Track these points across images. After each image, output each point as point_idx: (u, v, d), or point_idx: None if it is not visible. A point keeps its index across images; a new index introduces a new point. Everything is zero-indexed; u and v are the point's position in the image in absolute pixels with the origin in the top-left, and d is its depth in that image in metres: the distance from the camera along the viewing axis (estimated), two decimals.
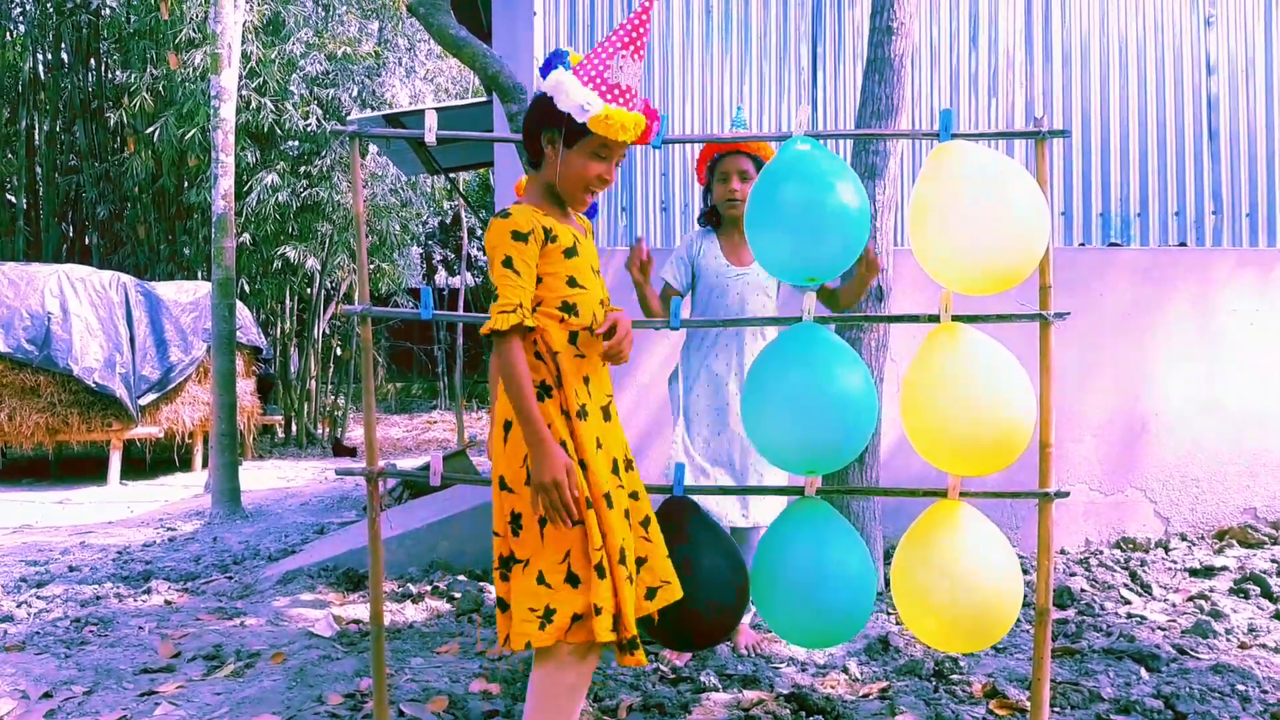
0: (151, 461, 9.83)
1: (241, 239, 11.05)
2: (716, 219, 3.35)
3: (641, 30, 1.98)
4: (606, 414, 2.08)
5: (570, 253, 2.02)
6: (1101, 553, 4.70)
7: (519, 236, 1.95)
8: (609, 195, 4.99)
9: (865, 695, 2.84)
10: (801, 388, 2.19)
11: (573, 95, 1.94)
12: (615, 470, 2.03)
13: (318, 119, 11.16)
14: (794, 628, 2.33)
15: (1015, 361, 2.23)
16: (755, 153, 3.21)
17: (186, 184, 11.66)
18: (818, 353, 2.22)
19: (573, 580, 1.91)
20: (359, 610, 3.83)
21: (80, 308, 8.53)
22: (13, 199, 12.89)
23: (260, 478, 9.09)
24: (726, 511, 3.18)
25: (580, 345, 2.03)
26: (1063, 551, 4.74)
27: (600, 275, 2.12)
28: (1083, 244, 5.14)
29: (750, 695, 2.81)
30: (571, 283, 2.02)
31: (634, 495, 2.11)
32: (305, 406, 12.84)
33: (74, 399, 8.49)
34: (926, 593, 2.23)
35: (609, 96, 1.95)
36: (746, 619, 3.32)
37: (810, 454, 2.23)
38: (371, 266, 12.80)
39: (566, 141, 1.97)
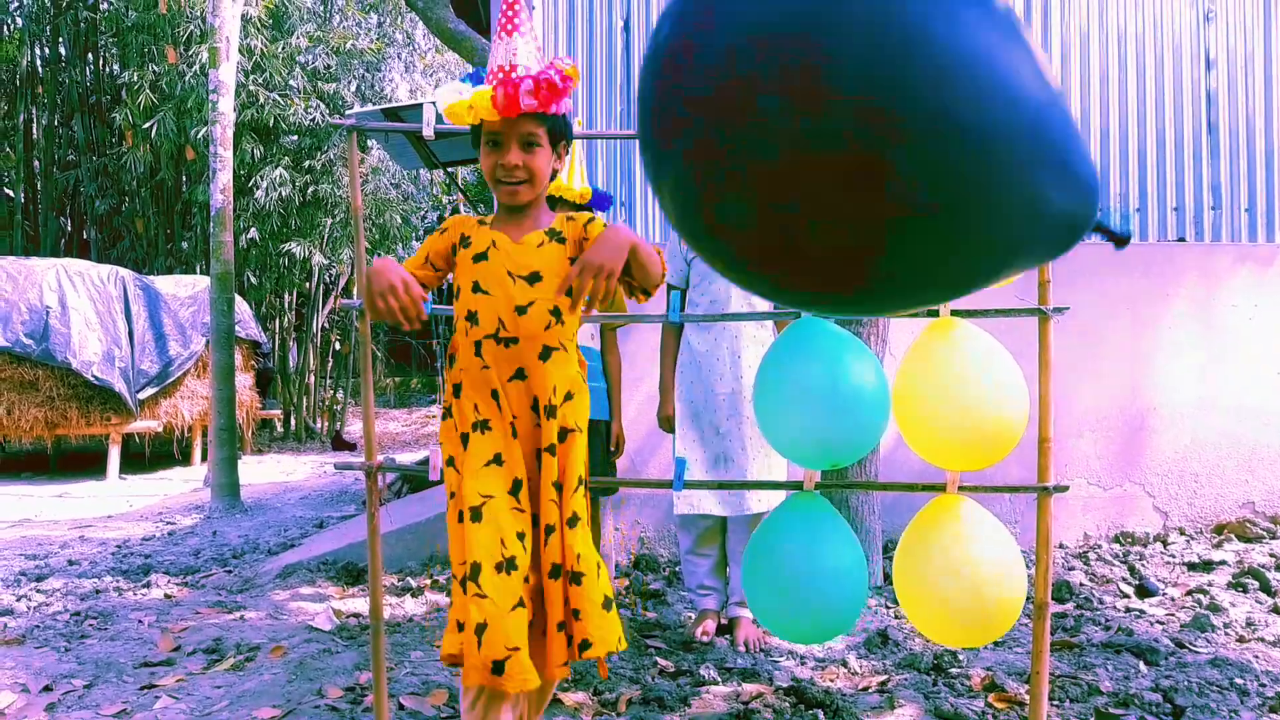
0: (150, 455, 9.84)
1: (249, 234, 11.03)
2: None
3: (507, 10, 1.89)
4: (537, 420, 1.91)
5: (479, 258, 1.94)
6: (1100, 547, 4.71)
7: (437, 231, 2.04)
8: (610, 190, 4.98)
9: (864, 688, 2.84)
10: (817, 382, 2.18)
11: (439, 105, 1.95)
12: (514, 492, 1.86)
13: (321, 113, 11.15)
14: (784, 623, 2.33)
15: (1009, 356, 2.23)
16: None
17: (186, 179, 11.64)
18: (828, 346, 2.22)
19: (464, 585, 1.83)
20: (359, 604, 3.83)
21: (79, 302, 8.52)
22: (11, 193, 12.87)
23: (259, 472, 9.10)
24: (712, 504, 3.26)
25: (485, 356, 1.90)
26: (1061, 546, 4.74)
27: (541, 281, 1.93)
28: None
29: (750, 688, 2.82)
30: (475, 288, 1.93)
31: (570, 521, 1.91)
32: (304, 401, 12.85)
33: (73, 393, 8.48)
34: (930, 587, 2.23)
35: (487, 84, 1.91)
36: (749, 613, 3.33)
37: (829, 448, 2.22)
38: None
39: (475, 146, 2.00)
